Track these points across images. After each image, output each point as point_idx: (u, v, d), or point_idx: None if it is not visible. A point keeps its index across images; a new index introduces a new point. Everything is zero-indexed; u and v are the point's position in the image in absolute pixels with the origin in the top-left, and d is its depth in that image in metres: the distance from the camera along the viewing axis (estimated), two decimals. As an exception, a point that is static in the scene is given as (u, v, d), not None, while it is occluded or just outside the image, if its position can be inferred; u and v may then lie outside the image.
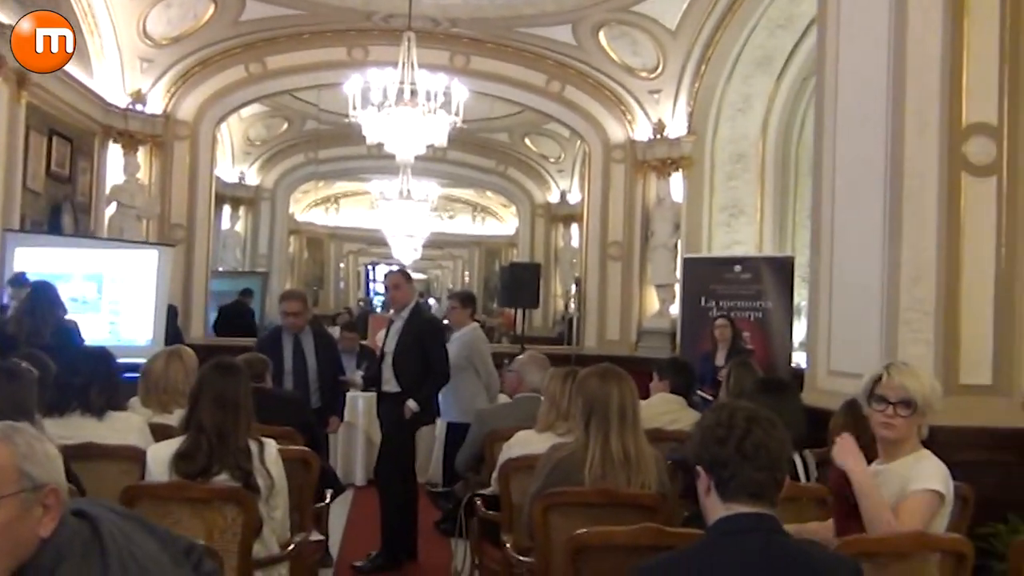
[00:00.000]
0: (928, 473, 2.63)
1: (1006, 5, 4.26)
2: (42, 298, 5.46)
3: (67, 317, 5.59)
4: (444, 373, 5.43)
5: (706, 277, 8.63)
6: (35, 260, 7.04)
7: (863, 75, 4.64)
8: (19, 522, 1.51)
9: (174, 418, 3.59)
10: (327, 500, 4.14)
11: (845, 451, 2.67)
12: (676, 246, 9.77)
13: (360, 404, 7.28)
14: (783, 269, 8.31)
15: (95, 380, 3.45)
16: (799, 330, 7.86)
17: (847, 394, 3.34)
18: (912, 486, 2.60)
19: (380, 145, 8.71)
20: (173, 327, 8.37)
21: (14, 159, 7.18)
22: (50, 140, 8.01)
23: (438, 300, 20.37)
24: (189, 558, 1.80)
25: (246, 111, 12.18)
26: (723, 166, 9.70)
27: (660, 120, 10.00)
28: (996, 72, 4.25)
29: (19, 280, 6.12)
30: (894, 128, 4.33)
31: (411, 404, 5.20)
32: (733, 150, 9.68)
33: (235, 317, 11.15)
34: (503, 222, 19.93)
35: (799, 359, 7.41)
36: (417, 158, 9.64)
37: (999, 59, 4.25)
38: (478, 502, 3.94)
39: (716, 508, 1.85)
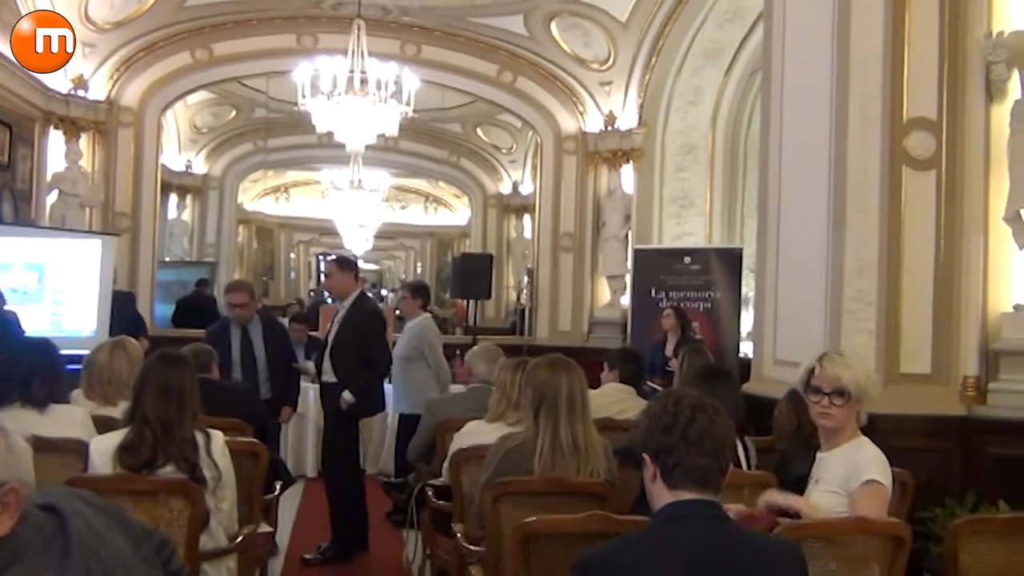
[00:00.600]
0: (869, 464, 2.70)
1: (945, 3, 4.36)
2: (-20, 289, 5.32)
3: (6, 307, 5.46)
4: (383, 365, 5.41)
5: (656, 268, 8.71)
6: (-28, 250, 6.87)
7: (808, 70, 4.72)
8: None
9: (118, 411, 3.52)
10: (276, 492, 4.11)
11: (779, 496, 2.69)
12: (627, 237, 9.83)
13: (311, 395, 7.22)
14: (732, 260, 8.43)
15: (37, 372, 3.37)
16: (747, 320, 7.98)
17: (792, 383, 3.40)
18: (858, 478, 2.66)
19: (330, 134, 8.61)
20: (133, 313, 8.13)
21: (-50, 145, 6.98)
22: (-12, 126, 7.80)
23: (393, 291, 20.23)
24: (160, 555, 1.79)
25: (192, 98, 11.93)
26: (673, 158, 9.77)
27: (611, 112, 10.05)
28: (936, 68, 4.35)
29: (-44, 270, 5.95)
30: (838, 122, 4.42)
31: (346, 395, 5.17)
32: (683, 142, 9.76)
33: (195, 308, 10.85)
34: (455, 212, 19.85)
35: (747, 349, 7.52)
36: (368, 148, 9.57)
37: (938, 55, 4.35)
38: (429, 492, 3.94)
39: (662, 495, 1.88)
